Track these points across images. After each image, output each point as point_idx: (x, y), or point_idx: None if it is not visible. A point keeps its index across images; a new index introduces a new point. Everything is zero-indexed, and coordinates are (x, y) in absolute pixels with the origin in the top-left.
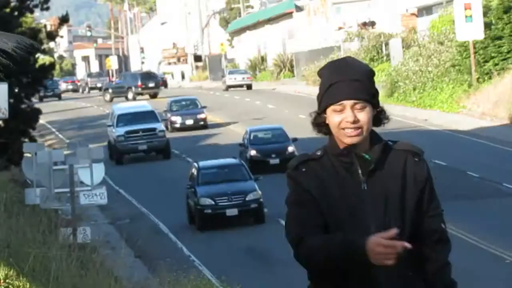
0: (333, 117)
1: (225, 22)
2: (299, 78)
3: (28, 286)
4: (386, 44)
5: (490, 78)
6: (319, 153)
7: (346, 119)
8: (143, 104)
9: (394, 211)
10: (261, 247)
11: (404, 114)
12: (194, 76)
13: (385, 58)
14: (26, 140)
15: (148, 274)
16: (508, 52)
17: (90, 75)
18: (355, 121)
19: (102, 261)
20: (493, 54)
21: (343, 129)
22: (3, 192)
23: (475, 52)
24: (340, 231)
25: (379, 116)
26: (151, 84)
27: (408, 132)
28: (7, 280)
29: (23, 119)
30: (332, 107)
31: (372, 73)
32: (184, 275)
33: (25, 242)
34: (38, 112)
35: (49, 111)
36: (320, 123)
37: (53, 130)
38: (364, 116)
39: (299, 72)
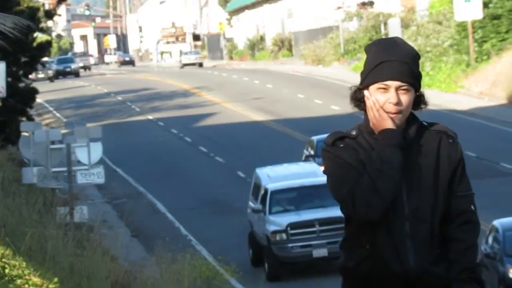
0: (376, 95)
1: (224, 1)
2: (298, 58)
3: (24, 265)
4: (385, 24)
5: (488, 58)
6: (354, 133)
7: (390, 100)
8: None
9: (427, 188)
10: None
11: None
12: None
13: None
14: (24, 119)
15: (145, 253)
16: (507, 32)
17: (74, 55)
18: (398, 103)
19: (99, 240)
20: (491, 34)
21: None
22: (0, 171)
23: (474, 32)
24: None
25: (418, 100)
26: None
27: None
28: (3, 260)
29: (21, 98)
30: (376, 85)
31: (418, 57)
32: (181, 254)
33: (22, 221)
34: (35, 91)
35: (47, 90)
36: (359, 98)
37: (51, 109)
38: (406, 99)
39: (298, 52)
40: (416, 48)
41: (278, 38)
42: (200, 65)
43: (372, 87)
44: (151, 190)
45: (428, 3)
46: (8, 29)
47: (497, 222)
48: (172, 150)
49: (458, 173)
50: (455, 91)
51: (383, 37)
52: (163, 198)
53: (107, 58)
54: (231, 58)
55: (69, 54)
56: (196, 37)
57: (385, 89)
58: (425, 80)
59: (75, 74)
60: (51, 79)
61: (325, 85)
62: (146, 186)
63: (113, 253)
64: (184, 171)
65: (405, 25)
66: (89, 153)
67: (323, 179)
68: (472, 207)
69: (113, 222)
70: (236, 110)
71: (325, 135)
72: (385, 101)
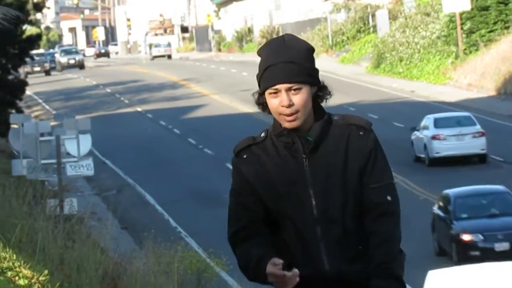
0: (270, 101)
1: None
2: None
3: (14, 257)
4: (373, 16)
5: (476, 49)
6: (262, 135)
7: (282, 103)
8: None
9: (335, 188)
10: None
11: (390, 86)
12: (181, 47)
13: (371, 29)
14: (13, 111)
15: (135, 245)
16: (494, 23)
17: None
18: (290, 104)
19: (89, 232)
20: (480, 25)
21: (281, 114)
22: None
23: (462, 24)
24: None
25: (319, 93)
26: None
27: (394, 103)
28: None
29: (10, 90)
30: (268, 91)
31: (310, 51)
32: (170, 246)
33: (12, 214)
34: (24, 83)
35: (36, 82)
36: (262, 103)
37: (40, 101)
38: (299, 98)
39: None
40: (404, 39)
41: (266, 30)
42: (169, 57)
43: (266, 93)
44: (140, 182)
45: None
46: None
47: (448, 191)
48: (161, 142)
49: (368, 166)
50: (444, 83)
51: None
52: (152, 190)
53: (87, 51)
54: (219, 50)
55: (57, 47)
56: (184, 29)
57: (276, 93)
58: (413, 72)
59: (80, 66)
60: (47, 72)
61: None
62: (135, 178)
63: (103, 245)
64: (173, 163)
65: (393, 17)
66: (78, 145)
67: None
68: (389, 197)
69: (102, 214)
70: (225, 102)
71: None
72: (278, 105)
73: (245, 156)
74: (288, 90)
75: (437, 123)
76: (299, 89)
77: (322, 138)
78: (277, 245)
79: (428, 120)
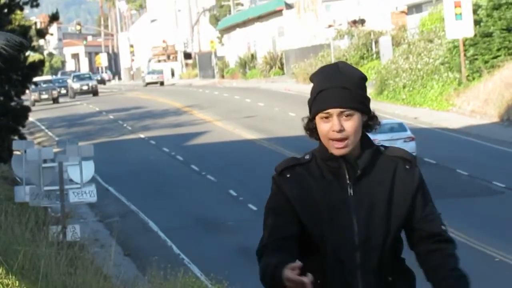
0: (320, 125)
1: (215, 20)
2: (289, 76)
3: (17, 284)
4: (376, 42)
5: (480, 76)
6: (307, 157)
7: (333, 128)
8: None
9: (378, 219)
10: (252, 246)
11: (394, 112)
12: (184, 74)
13: (375, 56)
14: (16, 137)
15: (138, 272)
16: (498, 49)
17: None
18: (341, 130)
19: (92, 259)
20: (482, 52)
21: (330, 139)
22: None
23: (465, 50)
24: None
25: (369, 122)
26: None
27: None
28: None
29: (13, 117)
30: (319, 115)
31: (363, 80)
32: (172, 273)
33: (14, 240)
34: (27, 109)
35: (38, 109)
36: (311, 129)
37: (43, 127)
38: (350, 125)
39: (289, 70)
40: (407, 66)
41: (269, 56)
42: (161, 83)
43: (317, 117)
44: (143, 209)
45: (419, 21)
46: (1, 45)
47: None
48: (164, 169)
49: (418, 200)
50: (447, 109)
51: (327, 63)
52: (155, 217)
53: None
54: (222, 76)
55: (60, 73)
56: (187, 56)
57: (327, 117)
58: (416, 99)
59: (94, 92)
60: (55, 100)
61: None
62: (138, 205)
63: (106, 272)
64: (176, 189)
65: (396, 43)
66: (81, 171)
67: None
68: (443, 227)
69: (105, 240)
70: (228, 129)
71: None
72: (328, 130)
73: (288, 176)
74: (340, 115)
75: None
76: (350, 115)
77: (370, 167)
78: (310, 267)
79: None
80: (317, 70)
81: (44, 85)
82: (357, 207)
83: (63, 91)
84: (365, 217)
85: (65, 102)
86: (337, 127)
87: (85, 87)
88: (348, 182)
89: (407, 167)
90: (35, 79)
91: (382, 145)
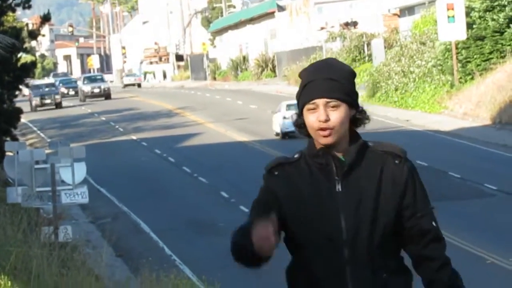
0: (307, 117)
1: (207, 22)
2: (281, 78)
3: (9, 284)
4: (368, 44)
5: (472, 78)
6: (296, 156)
7: (319, 118)
8: None
9: (366, 214)
10: None
11: (386, 115)
12: (176, 76)
13: (367, 58)
14: (8, 139)
15: (129, 273)
16: (490, 52)
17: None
18: (327, 120)
19: (83, 260)
20: (475, 55)
21: (317, 130)
22: None
23: (457, 53)
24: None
25: (357, 117)
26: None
27: (390, 132)
28: None
29: (5, 118)
30: (306, 106)
31: (352, 74)
32: (164, 274)
33: (6, 241)
34: (19, 111)
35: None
36: (300, 125)
37: (35, 129)
38: (337, 115)
39: (281, 72)
40: (399, 68)
41: (261, 58)
42: (139, 85)
43: (304, 110)
44: (135, 210)
45: (411, 23)
46: None
47: None
48: (155, 170)
49: (408, 195)
50: (439, 112)
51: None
52: (147, 218)
53: None
54: (214, 78)
55: (51, 75)
56: (179, 58)
57: (314, 108)
58: (408, 101)
59: (106, 96)
60: (58, 105)
61: None
62: (129, 206)
63: (98, 272)
64: (168, 191)
65: (388, 46)
66: (73, 173)
67: None
68: (434, 223)
69: (97, 242)
70: (219, 131)
71: None
72: (315, 120)
73: (276, 173)
74: (326, 105)
75: (289, 108)
76: (337, 106)
77: (357, 162)
78: (298, 264)
79: (281, 105)
80: (307, 66)
81: (47, 89)
82: (345, 203)
83: (72, 92)
84: (353, 213)
85: (68, 107)
86: (322, 117)
87: (96, 90)
88: (336, 178)
89: (396, 162)
90: (37, 82)
91: (371, 141)
